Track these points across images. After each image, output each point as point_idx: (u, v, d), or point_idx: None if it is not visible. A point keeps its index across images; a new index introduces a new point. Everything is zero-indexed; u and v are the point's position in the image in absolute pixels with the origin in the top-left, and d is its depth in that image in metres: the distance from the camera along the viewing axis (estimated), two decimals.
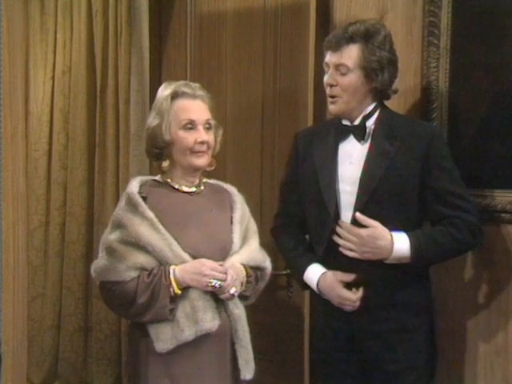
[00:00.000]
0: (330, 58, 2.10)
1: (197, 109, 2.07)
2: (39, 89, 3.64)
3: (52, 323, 3.64)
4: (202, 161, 2.07)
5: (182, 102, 2.06)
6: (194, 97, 2.07)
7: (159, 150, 2.08)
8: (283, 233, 2.35)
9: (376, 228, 2.04)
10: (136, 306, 1.93)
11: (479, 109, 2.29)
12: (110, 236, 1.98)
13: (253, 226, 2.19)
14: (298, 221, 2.30)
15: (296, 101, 2.66)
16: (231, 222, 2.11)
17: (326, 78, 2.12)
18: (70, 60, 3.52)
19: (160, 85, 2.20)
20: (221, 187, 2.21)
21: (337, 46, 2.07)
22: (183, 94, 2.06)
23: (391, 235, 2.03)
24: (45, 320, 3.65)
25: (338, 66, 2.07)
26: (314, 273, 2.18)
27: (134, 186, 2.05)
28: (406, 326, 2.10)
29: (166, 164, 2.09)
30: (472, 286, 2.35)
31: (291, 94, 2.70)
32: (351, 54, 2.05)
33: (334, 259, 2.13)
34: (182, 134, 2.04)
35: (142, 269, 1.94)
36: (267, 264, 2.16)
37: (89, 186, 3.48)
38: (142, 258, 1.94)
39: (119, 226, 1.98)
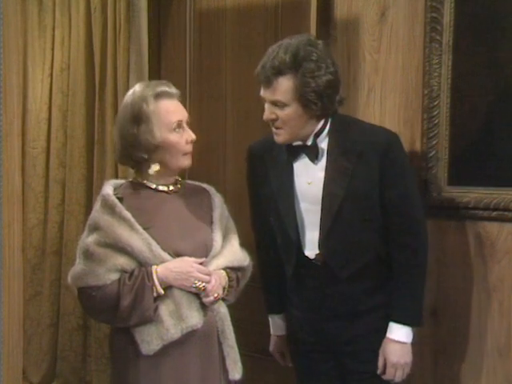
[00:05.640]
0: (264, 93, 2.00)
1: (179, 108, 2.03)
2: (37, 86, 3.64)
3: (50, 322, 3.64)
4: (189, 161, 2.05)
5: (165, 103, 1.99)
6: (172, 96, 2.02)
7: (147, 155, 1.99)
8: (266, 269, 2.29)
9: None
10: (120, 310, 1.88)
11: (482, 105, 2.27)
12: (87, 240, 1.94)
13: (232, 226, 2.14)
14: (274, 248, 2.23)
15: None
16: (211, 222, 2.07)
17: (264, 114, 2.02)
18: (69, 57, 3.52)
19: None
20: (199, 187, 2.16)
21: (267, 82, 1.96)
22: (164, 94, 2.00)
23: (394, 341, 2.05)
24: (43, 319, 3.65)
25: (274, 102, 1.99)
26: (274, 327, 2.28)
27: (108, 188, 2.01)
28: (377, 328, 2.08)
29: (156, 168, 2.00)
30: (474, 284, 2.33)
31: None
32: (283, 89, 1.94)
33: (302, 281, 2.12)
34: (172, 137, 1.98)
35: (123, 271, 1.90)
36: (248, 263, 2.12)
37: (87, 184, 3.48)
38: (121, 260, 1.89)
39: (96, 228, 1.94)
